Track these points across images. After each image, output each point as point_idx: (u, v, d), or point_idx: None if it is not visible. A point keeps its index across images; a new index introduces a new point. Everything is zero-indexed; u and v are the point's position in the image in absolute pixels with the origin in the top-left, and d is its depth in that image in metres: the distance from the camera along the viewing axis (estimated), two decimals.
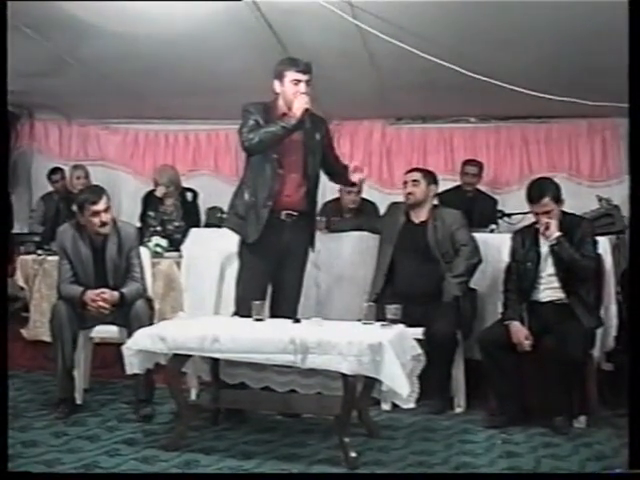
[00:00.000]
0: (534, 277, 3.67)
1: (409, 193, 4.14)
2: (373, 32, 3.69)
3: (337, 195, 5.50)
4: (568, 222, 3.65)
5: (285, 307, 3.71)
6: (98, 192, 3.77)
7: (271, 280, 3.74)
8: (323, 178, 3.89)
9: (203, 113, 6.17)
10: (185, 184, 5.72)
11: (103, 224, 3.74)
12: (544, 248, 3.67)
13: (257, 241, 3.64)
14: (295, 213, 3.68)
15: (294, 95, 3.56)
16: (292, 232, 3.68)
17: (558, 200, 3.62)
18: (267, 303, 3.67)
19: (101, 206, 3.71)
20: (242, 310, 3.59)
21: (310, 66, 3.61)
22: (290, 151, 3.64)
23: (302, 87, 3.57)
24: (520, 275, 3.71)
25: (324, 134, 3.79)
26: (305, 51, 4.32)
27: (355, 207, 5.36)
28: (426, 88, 4.99)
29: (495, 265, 4.05)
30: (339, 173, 3.94)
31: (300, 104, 3.51)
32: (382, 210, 4.71)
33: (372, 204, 5.45)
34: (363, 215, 5.09)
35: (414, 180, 4.15)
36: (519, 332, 3.56)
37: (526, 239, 3.74)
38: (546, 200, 3.59)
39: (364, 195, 5.50)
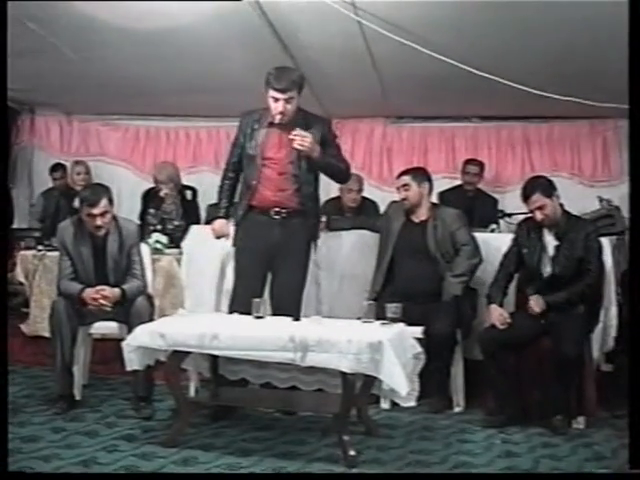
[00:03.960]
0: (536, 268, 3.67)
1: (403, 199, 4.14)
2: (374, 28, 3.67)
3: (338, 194, 5.51)
4: (572, 224, 3.65)
5: (282, 304, 3.66)
6: (98, 193, 3.69)
7: (268, 277, 3.75)
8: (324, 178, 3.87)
9: (204, 110, 6.17)
10: (186, 180, 5.71)
11: (98, 227, 3.70)
12: (549, 246, 3.66)
13: (242, 238, 3.71)
14: (284, 211, 3.66)
15: (274, 111, 3.55)
16: (282, 230, 3.66)
17: (550, 195, 3.62)
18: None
19: (97, 210, 3.64)
20: (236, 307, 3.64)
21: (294, 83, 3.52)
22: (276, 151, 3.64)
23: (280, 106, 3.52)
24: (523, 264, 3.72)
25: (322, 134, 3.67)
26: (306, 50, 4.34)
27: (355, 206, 5.36)
28: (427, 87, 4.98)
29: (495, 265, 4.03)
30: (334, 174, 3.86)
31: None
32: (382, 209, 4.70)
33: (372, 203, 5.45)
34: (363, 214, 5.08)
35: (404, 185, 4.12)
36: (494, 312, 3.62)
37: (531, 230, 3.73)
38: (536, 196, 3.59)
39: (365, 194, 5.51)
